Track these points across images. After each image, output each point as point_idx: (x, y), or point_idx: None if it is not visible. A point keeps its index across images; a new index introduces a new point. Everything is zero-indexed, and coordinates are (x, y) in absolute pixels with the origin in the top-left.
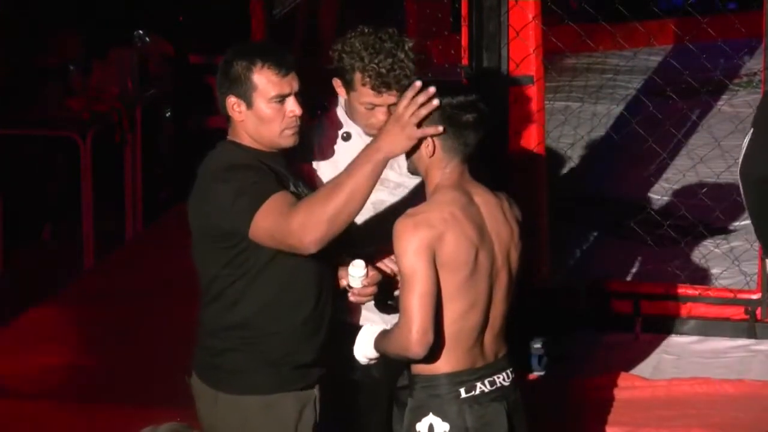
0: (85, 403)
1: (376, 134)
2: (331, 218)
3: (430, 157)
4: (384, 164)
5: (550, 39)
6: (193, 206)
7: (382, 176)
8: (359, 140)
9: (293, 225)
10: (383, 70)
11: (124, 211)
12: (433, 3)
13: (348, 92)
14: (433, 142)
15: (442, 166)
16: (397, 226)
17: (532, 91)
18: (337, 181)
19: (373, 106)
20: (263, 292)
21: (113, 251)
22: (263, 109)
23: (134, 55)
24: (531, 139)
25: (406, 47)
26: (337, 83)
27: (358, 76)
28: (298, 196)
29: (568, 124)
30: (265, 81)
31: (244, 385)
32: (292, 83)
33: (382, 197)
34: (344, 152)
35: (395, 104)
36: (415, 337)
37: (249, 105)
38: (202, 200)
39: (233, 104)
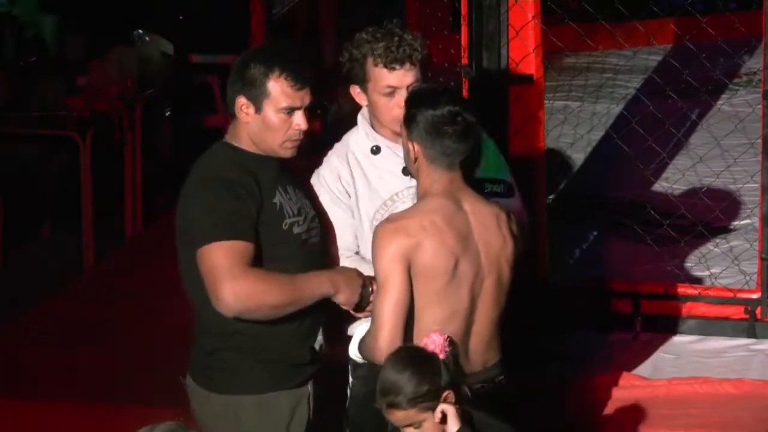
0: (86, 402)
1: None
2: (260, 307)
3: (414, 163)
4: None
5: (549, 38)
6: (178, 207)
7: (409, 184)
8: (389, 152)
9: (230, 287)
10: (392, 47)
11: (124, 210)
12: (432, 2)
13: (366, 89)
14: (414, 150)
15: (429, 173)
16: (376, 230)
17: (532, 90)
18: (289, 286)
19: (392, 89)
20: None
21: (113, 251)
22: (271, 117)
23: (134, 55)
24: (530, 139)
25: (409, 31)
26: (355, 90)
27: (369, 61)
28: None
29: (568, 124)
30: (279, 90)
31: (236, 384)
32: (304, 97)
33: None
34: (375, 165)
35: (413, 83)
36: (382, 345)
37: (258, 109)
38: (184, 203)
39: (242, 105)
